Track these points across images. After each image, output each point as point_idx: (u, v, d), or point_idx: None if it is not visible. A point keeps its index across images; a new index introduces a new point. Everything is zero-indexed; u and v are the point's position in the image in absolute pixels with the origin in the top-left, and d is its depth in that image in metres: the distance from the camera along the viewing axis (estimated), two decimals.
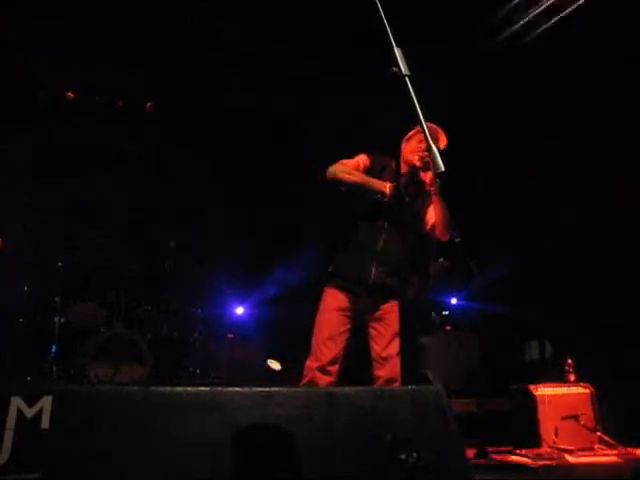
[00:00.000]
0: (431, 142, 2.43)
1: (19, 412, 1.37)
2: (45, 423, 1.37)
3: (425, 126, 2.47)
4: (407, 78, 2.54)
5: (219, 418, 1.44)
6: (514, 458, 4.79)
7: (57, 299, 5.77)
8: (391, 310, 3.69)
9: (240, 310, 7.83)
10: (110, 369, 5.64)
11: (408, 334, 7.18)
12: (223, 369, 6.94)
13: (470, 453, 4.79)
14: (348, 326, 3.60)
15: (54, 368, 5.48)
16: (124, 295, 6.21)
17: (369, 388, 1.52)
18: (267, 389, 1.48)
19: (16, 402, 1.38)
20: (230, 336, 7.40)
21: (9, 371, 5.45)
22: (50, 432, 1.36)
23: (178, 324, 6.69)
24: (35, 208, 6.93)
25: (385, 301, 3.66)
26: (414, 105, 2.50)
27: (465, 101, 6.86)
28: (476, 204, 7.15)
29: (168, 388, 1.44)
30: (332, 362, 3.50)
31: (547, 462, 4.66)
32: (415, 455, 1.41)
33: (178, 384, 5.77)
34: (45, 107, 7.66)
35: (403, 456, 1.41)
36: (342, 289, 3.62)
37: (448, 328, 7.20)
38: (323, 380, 3.41)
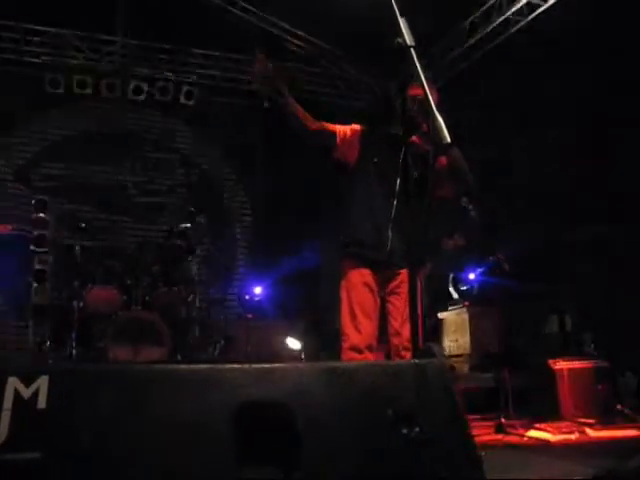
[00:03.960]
0: (437, 114, 2.37)
1: (16, 392, 1.38)
2: (42, 403, 1.37)
3: (430, 98, 2.41)
4: (412, 49, 2.49)
5: (219, 394, 1.43)
6: (533, 433, 4.75)
7: (76, 283, 5.82)
8: (405, 280, 3.59)
9: (259, 290, 7.82)
10: (129, 351, 5.69)
11: (427, 310, 7.17)
12: (242, 349, 6.96)
13: (489, 428, 4.78)
14: (378, 301, 3.52)
15: (74, 351, 5.54)
16: (142, 278, 6.25)
17: (370, 363, 1.50)
18: (267, 365, 1.47)
19: (13, 382, 1.38)
20: (249, 316, 7.41)
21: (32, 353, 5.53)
22: (47, 412, 1.36)
23: (196, 305, 6.72)
24: (53, 193, 6.99)
25: (400, 270, 3.59)
26: (419, 76, 2.45)
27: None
28: (497, 176, 7.08)
29: (167, 365, 1.43)
30: (368, 341, 3.41)
31: (567, 436, 4.63)
32: (417, 429, 1.39)
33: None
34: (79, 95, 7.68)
35: (405, 430, 1.39)
36: (362, 261, 3.52)
37: (466, 303, 7.15)
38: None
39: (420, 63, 2.46)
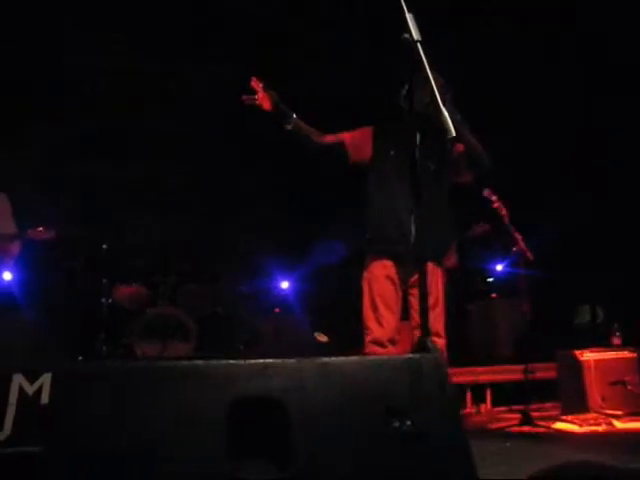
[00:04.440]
0: (442, 107, 2.37)
1: (20, 389, 1.44)
2: (45, 399, 1.43)
3: (437, 93, 2.41)
4: (418, 44, 2.49)
5: (216, 390, 1.46)
6: (560, 424, 4.73)
7: (104, 281, 5.94)
8: (432, 271, 3.58)
9: (285, 284, 7.85)
10: (157, 347, 5.79)
11: (454, 302, 7.15)
12: (270, 344, 7.01)
13: (515, 419, 4.77)
14: (400, 294, 3.53)
15: (103, 348, 5.67)
16: (169, 275, 6.34)
17: (364, 358, 1.52)
18: (262, 360, 1.50)
19: (18, 379, 1.44)
20: (276, 310, 7.46)
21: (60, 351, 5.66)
22: (49, 407, 1.42)
23: (223, 301, 6.80)
24: (80, 193, 7.12)
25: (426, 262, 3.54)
26: (426, 72, 2.45)
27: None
28: (524, 165, 7.01)
29: (165, 362, 1.47)
30: (390, 334, 3.46)
31: (594, 428, 4.59)
32: (409, 423, 1.41)
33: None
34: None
35: (397, 425, 1.41)
36: (385, 254, 3.53)
37: (493, 295, 7.11)
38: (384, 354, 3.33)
39: (427, 58, 2.47)
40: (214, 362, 1.49)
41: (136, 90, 7.83)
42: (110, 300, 5.95)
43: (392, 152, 3.59)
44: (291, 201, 8.54)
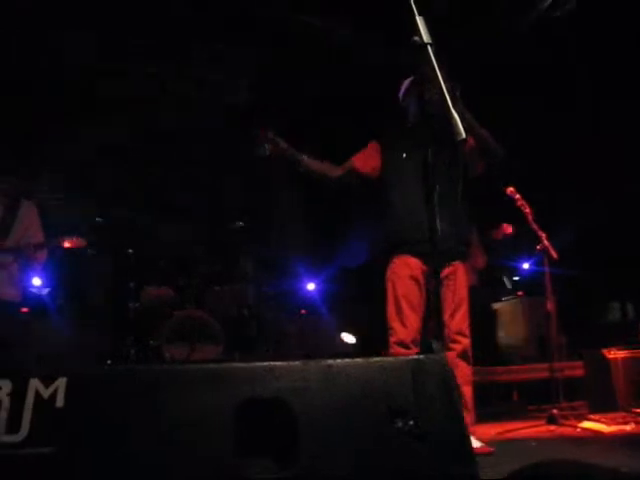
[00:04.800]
0: (452, 109, 2.39)
1: (36, 392, 1.50)
2: (60, 402, 1.49)
3: (447, 95, 2.43)
4: (429, 47, 2.51)
5: (224, 392, 1.51)
6: (587, 424, 4.67)
7: (131, 285, 6.05)
8: (456, 271, 3.61)
9: (311, 286, 7.89)
10: (185, 350, 5.88)
11: (480, 301, 7.11)
12: (296, 345, 7.07)
13: (542, 419, 4.74)
14: (424, 294, 3.56)
15: (131, 351, 5.77)
16: (194, 278, 6.43)
17: (368, 359, 1.55)
18: (268, 363, 1.54)
19: (34, 383, 1.51)
20: (303, 312, 7.50)
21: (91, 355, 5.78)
22: (64, 410, 1.48)
23: (249, 303, 6.87)
24: (108, 199, 7.24)
25: (451, 261, 3.60)
26: (436, 74, 2.47)
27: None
28: (554, 160, 6.96)
29: (176, 366, 1.52)
30: (413, 335, 3.49)
31: (622, 427, 4.53)
32: (411, 423, 1.43)
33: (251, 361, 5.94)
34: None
35: (399, 424, 1.44)
36: (410, 253, 3.56)
37: (520, 294, 7.06)
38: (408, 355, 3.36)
39: (437, 60, 2.49)
40: (221, 365, 1.53)
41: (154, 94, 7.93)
42: (138, 304, 6.05)
43: (404, 155, 3.62)
44: (316, 203, 8.57)
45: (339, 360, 1.53)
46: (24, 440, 1.44)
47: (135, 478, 1.39)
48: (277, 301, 7.23)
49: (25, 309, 5.43)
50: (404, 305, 3.57)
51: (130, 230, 6.36)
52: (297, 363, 1.52)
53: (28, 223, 4.43)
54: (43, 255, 4.46)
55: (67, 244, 4.17)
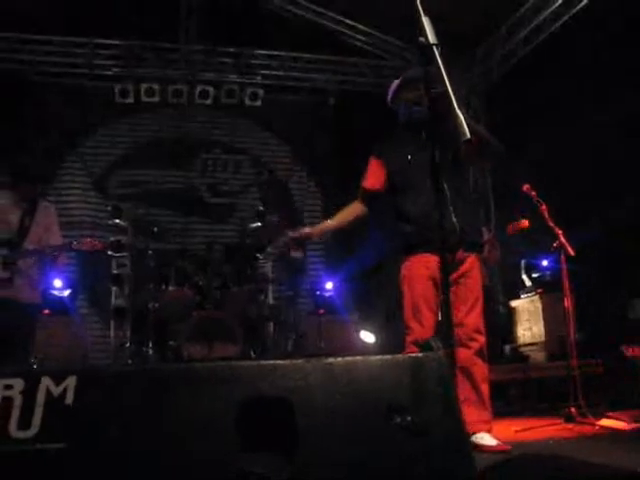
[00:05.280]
0: (457, 110, 2.40)
1: (47, 390, 1.56)
2: (69, 399, 1.54)
3: (452, 95, 2.44)
4: (434, 47, 2.53)
5: (229, 391, 1.54)
6: (606, 421, 4.64)
7: (150, 286, 6.11)
8: (472, 268, 3.64)
9: (330, 285, 7.90)
10: (204, 350, 5.93)
11: (498, 298, 7.06)
12: (315, 345, 7.09)
13: (560, 417, 4.71)
14: (440, 293, 3.53)
15: (150, 351, 5.84)
16: (214, 278, 6.49)
17: (368, 358, 1.58)
18: (271, 362, 1.58)
19: (45, 381, 1.56)
20: (321, 312, 7.52)
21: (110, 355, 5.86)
22: (73, 408, 1.53)
23: (268, 303, 6.91)
24: (127, 199, 7.34)
25: (465, 257, 3.62)
26: (441, 74, 2.49)
27: None
28: (578, 156, 6.92)
29: (181, 365, 1.56)
30: (430, 333, 3.45)
31: None
32: (410, 420, 1.45)
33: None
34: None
35: (397, 421, 1.46)
36: (428, 251, 3.55)
37: (539, 291, 7.01)
38: None
39: (442, 61, 2.50)
40: (225, 364, 1.57)
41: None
42: (157, 304, 6.11)
43: (409, 157, 3.65)
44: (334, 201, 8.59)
45: (340, 359, 1.56)
46: (35, 436, 1.50)
47: (141, 474, 1.43)
48: (295, 301, 7.26)
49: (46, 311, 5.54)
50: (422, 305, 3.58)
51: (150, 231, 6.42)
52: (299, 362, 1.55)
53: (46, 225, 4.48)
54: (64, 257, 4.52)
55: (85, 247, 4.23)
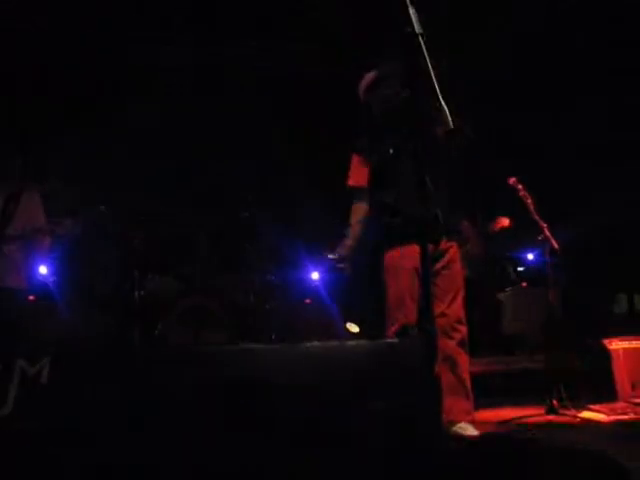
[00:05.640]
0: (442, 100, 2.41)
1: (22, 370, 1.56)
2: (44, 379, 1.55)
3: (437, 85, 2.45)
4: (420, 37, 2.53)
5: (208, 373, 1.56)
6: (587, 414, 4.69)
7: (136, 273, 6.08)
8: (454, 259, 3.68)
9: (316, 275, 7.87)
10: (189, 338, 5.92)
11: (484, 291, 7.10)
12: (301, 334, 7.08)
13: (541, 409, 4.75)
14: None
15: (136, 339, 5.82)
16: (201, 266, 6.47)
17: (344, 342, 1.59)
18: (249, 345, 1.59)
19: (20, 362, 1.57)
20: (307, 301, 7.51)
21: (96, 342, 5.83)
22: (48, 387, 1.54)
23: (254, 291, 6.89)
24: (114, 186, 7.28)
25: (448, 246, 3.66)
26: (427, 64, 2.49)
27: None
28: (563, 153, 6.96)
29: (159, 348, 1.57)
30: (414, 323, 3.43)
31: (621, 417, 4.54)
32: (385, 403, 1.47)
33: None
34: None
35: (374, 404, 1.47)
36: (413, 243, 3.56)
37: (524, 284, 7.06)
38: None
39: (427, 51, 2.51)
40: (205, 347, 1.58)
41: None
42: (143, 292, 6.09)
43: (390, 151, 3.66)
44: (322, 190, 8.57)
45: (316, 343, 1.57)
46: (9, 414, 1.51)
47: (115, 453, 1.44)
48: (282, 290, 7.24)
49: (31, 297, 5.50)
50: (407, 297, 3.60)
51: (135, 218, 6.38)
52: (277, 346, 1.56)
53: (31, 210, 4.47)
54: (47, 241, 4.50)
55: (60, 230, 4.21)
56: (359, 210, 3.88)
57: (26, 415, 1.50)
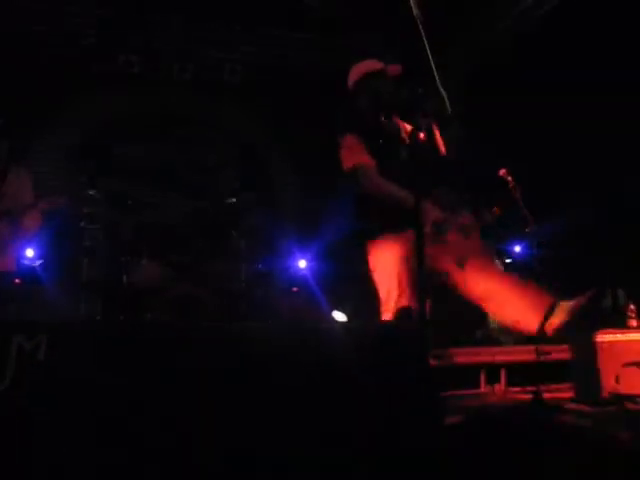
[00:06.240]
0: (440, 85, 2.42)
1: (19, 346, 1.55)
2: (41, 355, 1.54)
3: (434, 66, 2.46)
4: (418, 20, 2.54)
5: (202, 352, 1.55)
6: (572, 406, 4.73)
7: (123, 259, 6.05)
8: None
9: (303, 263, 7.87)
10: None
11: None
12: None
13: (526, 401, 4.78)
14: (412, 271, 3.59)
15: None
16: (188, 253, 6.45)
17: (339, 324, 1.60)
18: (242, 324, 1.59)
19: (17, 338, 1.56)
20: (295, 289, 7.52)
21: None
22: (45, 363, 1.53)
23: (242, 279, 6.88)
24: (102, 172, 7.22)
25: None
26: (424, 46, 2.50)
27: None
28: (551, 146, 6.97)
29: (147, 323, 1.56)
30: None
31: (605, 408, 4.59)
32: (379, 382, 1.47)
33: None
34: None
35: (369, 384, 1.48)
36: (404, 232, 3.48)
37: None
38: None
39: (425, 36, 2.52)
40: (197, 327, 1.57)
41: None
42: (131, 279, 6.06)
43: (381, 141, 3.66)
44: (309, 178, 8.57)
45: (312, 325, 1.57)
46: (6, 389, 1.50)
47: (110, 430, 1.43)
48: (269, 278, 7.24)
49: (18, 280, 5.45)
50: (399, 285, 3.59)
51: (124, 204, 6.34)
52: (270, 325, 1.56)
53: (18, 188, 4.39)
54: (37, 217, 4.42)
55: (46, 205, 4.15)
56: (385, 183, 3.68)
57: (23, 391, 1.49)
